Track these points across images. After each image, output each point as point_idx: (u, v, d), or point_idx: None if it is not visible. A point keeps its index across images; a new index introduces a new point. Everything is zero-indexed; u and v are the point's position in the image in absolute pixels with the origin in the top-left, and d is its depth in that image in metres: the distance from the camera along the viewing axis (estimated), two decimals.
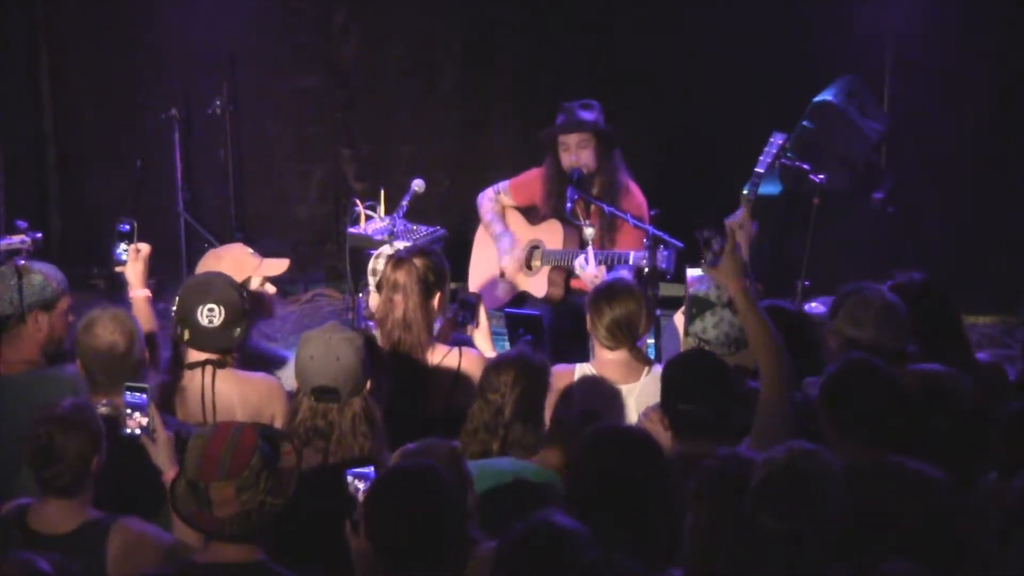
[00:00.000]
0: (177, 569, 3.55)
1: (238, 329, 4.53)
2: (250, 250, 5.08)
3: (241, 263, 4.96)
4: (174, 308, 4.58)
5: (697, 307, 4.59)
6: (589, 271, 5.96)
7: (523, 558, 3.10)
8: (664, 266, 5.88)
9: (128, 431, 3.97)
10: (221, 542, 3.43)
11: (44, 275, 4.69)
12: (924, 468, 3.77)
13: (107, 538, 3.68)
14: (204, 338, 4.51)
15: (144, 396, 3.97)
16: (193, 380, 4.53)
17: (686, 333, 4.64)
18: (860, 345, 4.28)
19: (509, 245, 6.55)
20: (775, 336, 4.19)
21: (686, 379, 4.10)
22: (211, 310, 4.48)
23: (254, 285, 4.97)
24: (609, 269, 6.00)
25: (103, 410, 4.06)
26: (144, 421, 3.96)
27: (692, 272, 5.51)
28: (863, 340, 4.31)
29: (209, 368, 4.52)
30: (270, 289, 5.05)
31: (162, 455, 3.94)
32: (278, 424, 4.41)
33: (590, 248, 6.07)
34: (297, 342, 4.33)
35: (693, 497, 3.36)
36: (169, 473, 3.84)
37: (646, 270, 5.90)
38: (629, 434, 3.75)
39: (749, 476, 3.27)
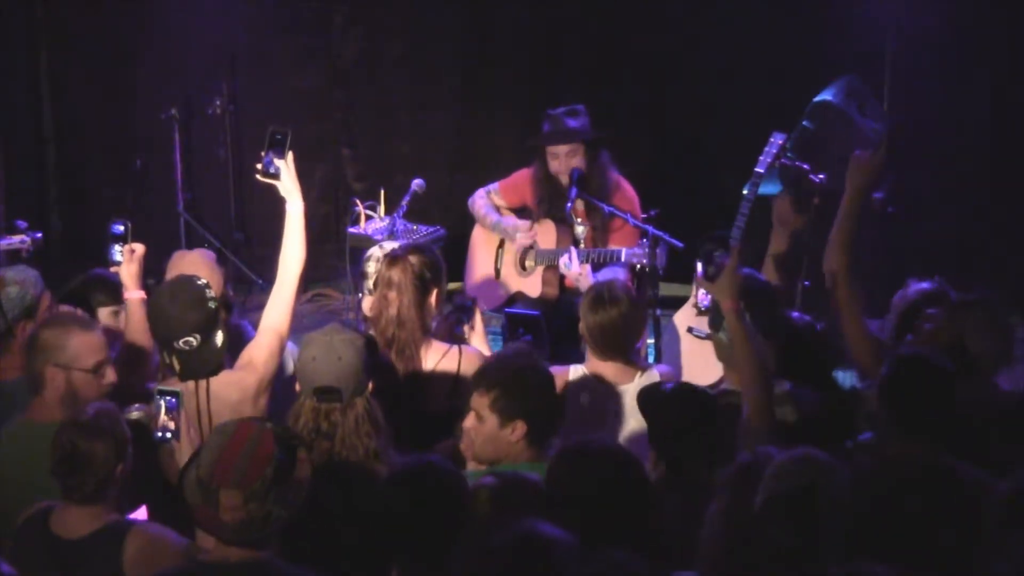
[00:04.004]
0: (184, 569, 3.55)
1: (219, 334, 4.43)
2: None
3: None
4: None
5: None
6: (573, 270, 5.97)
7: (503, 569, 3.00)
8: (656, 262, 5.86)
9: (159, 435, 4.01)
10: (223, 544, 3.44)
11: (19, 283, 4.60)
12: (977, 473, 3.74)
13: (124, 541, 3.69)
14: (193, 364, 4.40)
15: (174, 400, 4.00)
16: (188, 385, 4.47)
17: (716, 329, 4.56)
18: (964, 351, 4.27)
19: (514, 224, 6.50)
20: (760, 360, 4.18)
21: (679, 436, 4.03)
22: (186, 342, 4.36)
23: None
24: (600, 267, 6.00)
25: (135, 415, 4.05)
26: (172, 425, 3.99)
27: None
28: (971, 348, 4.29)
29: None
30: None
31: (187, 455, 3.92)
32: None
33: (572, 248, 6.08)
34: (297, 341, 4.33)
35: (720, 486, 3.35)
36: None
37: (638, 267, 5.89)
38: (605, 450, 3.65)
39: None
